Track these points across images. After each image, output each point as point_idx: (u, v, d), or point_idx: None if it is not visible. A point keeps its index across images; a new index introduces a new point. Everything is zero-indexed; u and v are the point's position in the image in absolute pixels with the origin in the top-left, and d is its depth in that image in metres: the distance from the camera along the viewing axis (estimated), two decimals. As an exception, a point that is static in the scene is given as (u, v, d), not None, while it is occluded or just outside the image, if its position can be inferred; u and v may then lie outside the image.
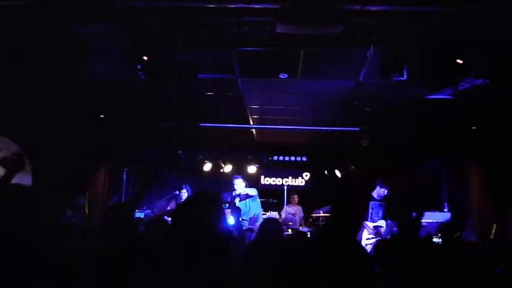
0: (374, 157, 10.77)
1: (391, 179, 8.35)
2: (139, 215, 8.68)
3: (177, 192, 8.58)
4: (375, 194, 8.27)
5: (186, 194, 8.42)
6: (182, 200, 8.38)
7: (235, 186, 8.22)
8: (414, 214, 8.08)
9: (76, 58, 5.65)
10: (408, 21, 4.06)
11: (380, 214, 8.24)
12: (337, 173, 11.38)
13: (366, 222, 8.24)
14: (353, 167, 11.22)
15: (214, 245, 2.03)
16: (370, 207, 8.32)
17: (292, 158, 11.38)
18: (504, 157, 7.70)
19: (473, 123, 8.01)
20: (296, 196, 10.63)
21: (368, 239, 8.04)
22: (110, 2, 4.17)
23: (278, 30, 3.99)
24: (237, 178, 8.39)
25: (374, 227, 8.11)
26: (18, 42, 5.13)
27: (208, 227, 1.96)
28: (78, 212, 4.83)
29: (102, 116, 8.43)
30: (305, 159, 11.38)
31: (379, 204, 8.27)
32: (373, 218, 8.22)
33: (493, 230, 7.97)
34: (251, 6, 3.86)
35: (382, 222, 8.09)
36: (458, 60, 4.56)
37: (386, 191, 8.18)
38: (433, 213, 9.37)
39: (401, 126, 8.54)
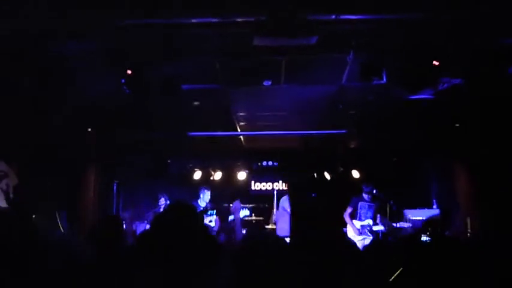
0: (362, 158, 10.91)
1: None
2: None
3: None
4: (364, 195, 8.51)
5: (164, 202, 8.64)
6: (160, 210, 8.56)
7: None
8: (394, 207, 8.33)
9: (62, 75, 5.71)
10: (383, 27, 4.18)
11: (369, 215, 8.45)
12: (327, 175, 11.46)
13: (354, 221, 8.48)
14: (342, 169, 11.33)
15: (200, 254, 2.09)
16: (359, 208, 8.54)
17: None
18: (488, 152, 7.84)
19: (456, 121, 8.15)
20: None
21: (354, 236, 8.31)
22: (93, 19, 4.23)
23: (255, 43, 4.09)
24: None
25: (361, 225, 8.36)
26: (4, 62, 5.18)
27: (189, 237, 2.02)
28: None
29: (89, 129, 8.47)
30: (294, 163, 11.46)
31: (369, 205, 8.49)
32: (361, 217, 8.46)
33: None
34: (231, 20, 3.96)
35: (369, 221, 8.36)
36: (435, 62, 4.68)
37: (372, 192, 8.42)
38: (421, 210, 9.53)
39: (387, 126, 8.67)
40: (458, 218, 9.22)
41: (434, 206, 10.24)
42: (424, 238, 7.47)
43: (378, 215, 8.56)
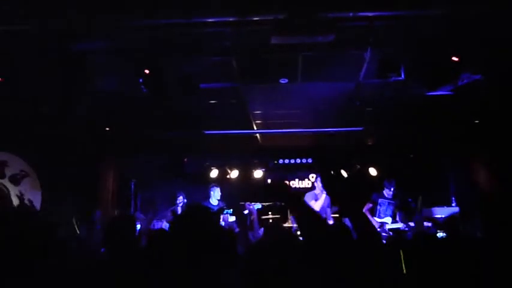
0: (379, 155, 10.84)
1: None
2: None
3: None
4: (385, 192, 8.44)
5: (182, 201, 8.67)
6: (178, 208, 8.60)
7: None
8: (413, 205, 8.22)
9: (81, 74, 5.77)
10: (400, 24, 4.14)
11: (389, 212, 8.39)
12: (344, 173, 11.40)
13: (374, 217, 8.42)
14: (359, 166, 11.26)
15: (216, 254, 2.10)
16: (379, 205, 8.47)
17: (298, 160, 11.45)
18: (507, 149, 7.74)
19: (475, 117, 8.04)
20: (303, 198, 10.67)
21: None
22: (110, 20, 4.27)
23: (273, 41, 4.08)
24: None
25: (380, 222, 8.30)
26: (24, 63, 5.26)
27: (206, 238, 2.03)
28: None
29: (107, 128, 8.55)
30: (310, 161, 11.43)
31: (389, 203, 8.43)
32: (380, 214, 8.40)
33: None
34: (249, 18, 3.97)
35: (388, 219, 8.29)
36: (454, 58, 4.62)
37: (393, 189, 8.33)
38: (441, 208, 9.43)
39: (405, 123, 8.59)
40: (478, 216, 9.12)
41: (454, 204, 10.14)
42: (440, 234, 7.41)
43: (398, 213, 8.49)
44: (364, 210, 8.56)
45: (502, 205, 8.22)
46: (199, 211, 2.28)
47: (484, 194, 9.12)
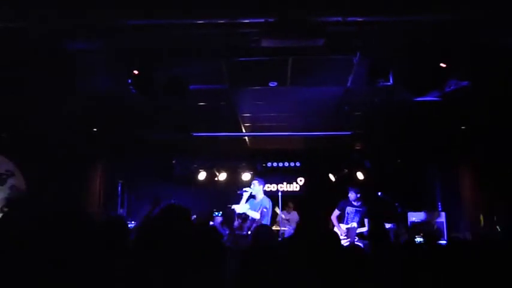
0: (367, 160, 10.90)
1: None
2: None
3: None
4: (351, 199, 8.50)
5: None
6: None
7: (252, 187, 8.04)
8: (399, 209, 8.32)
9: (68, 73, 5.72)
10: (389, 29, 4.18)
11: (356, 219, 8.44)
12: (331, 177, 11.46)
13: (341, 224, 8.48)
14: (346, 171, 11.32)
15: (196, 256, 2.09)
16: (346, 212, 8.52)
17: (286, 164, 11.47)
18: (493, 155, 7.82)
19: (462, 123, 8.12)
20: (291, 202, 10.68)
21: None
22: (100, 20, 4.25)
23: (263, 44, 4.09)
24: (256, 180, 8.24)
25: (346, 229, 8.36)
26: (12, 61, 5.20)
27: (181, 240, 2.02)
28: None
29: (95, 129, 8.49)
30: (299, 165, 11.46)
31: (356, 210, 8.49)
32: (348, 221, 8.46)
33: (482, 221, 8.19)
34: (239, 21, 3.98)
35: (354, 225, 8.36)
36: (442, 64, 4.66)
37: (358, 196, 8.42)
38: (425, 212, 9.54)
39: (392, 128, 8.65)
40: (463, 221, 9.23)
41: (440, 209, 10.23)
42: (418, 239, 7.52)
43: (366, 219, 8.54)
44: (331, 218, 8.62)
45: (486, 211, 8.32)
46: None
47: (469, 200, 9.21)
